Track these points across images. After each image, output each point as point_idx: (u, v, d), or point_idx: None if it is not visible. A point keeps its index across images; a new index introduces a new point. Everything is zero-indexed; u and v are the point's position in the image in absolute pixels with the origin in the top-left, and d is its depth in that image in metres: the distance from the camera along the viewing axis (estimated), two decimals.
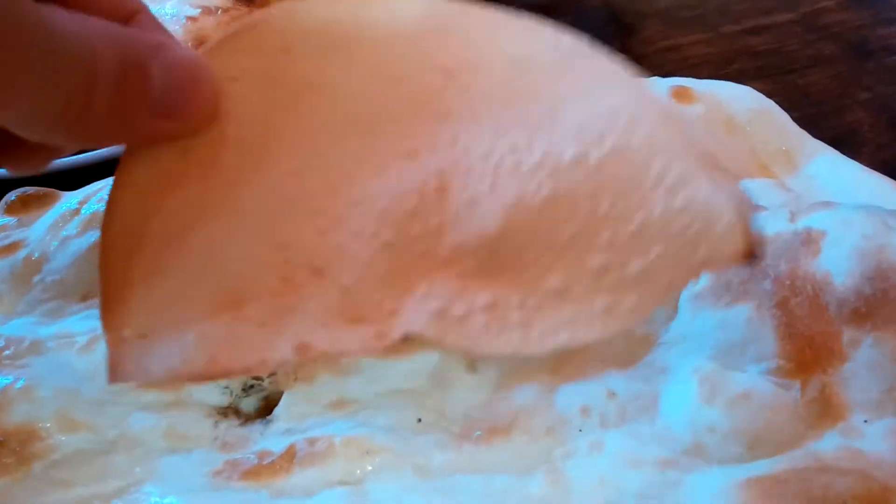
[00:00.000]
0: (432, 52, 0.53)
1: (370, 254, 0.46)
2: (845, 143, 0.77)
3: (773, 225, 0.59)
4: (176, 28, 0.82)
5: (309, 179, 0.50)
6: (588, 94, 0.54)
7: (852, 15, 1.00)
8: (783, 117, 0.75)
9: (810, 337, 0.51)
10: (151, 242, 0.47)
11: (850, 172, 0.71)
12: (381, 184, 0.49)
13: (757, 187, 0.70)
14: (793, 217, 0.59)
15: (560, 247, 0.48)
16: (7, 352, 0.54)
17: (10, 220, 0.63)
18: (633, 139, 0.53)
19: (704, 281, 0.57)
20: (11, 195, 0.64)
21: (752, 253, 0.49)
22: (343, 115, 0.51)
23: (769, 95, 0.78)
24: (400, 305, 0.45)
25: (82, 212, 0.62)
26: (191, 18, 0.82)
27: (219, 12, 0.84)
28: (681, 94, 0.75)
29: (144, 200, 0.48)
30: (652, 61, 0.92)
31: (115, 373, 0.44)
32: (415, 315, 0.44)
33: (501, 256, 0.48)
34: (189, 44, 0.80)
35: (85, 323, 0.58)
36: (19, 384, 0.52)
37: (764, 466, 0.47)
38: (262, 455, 0.51)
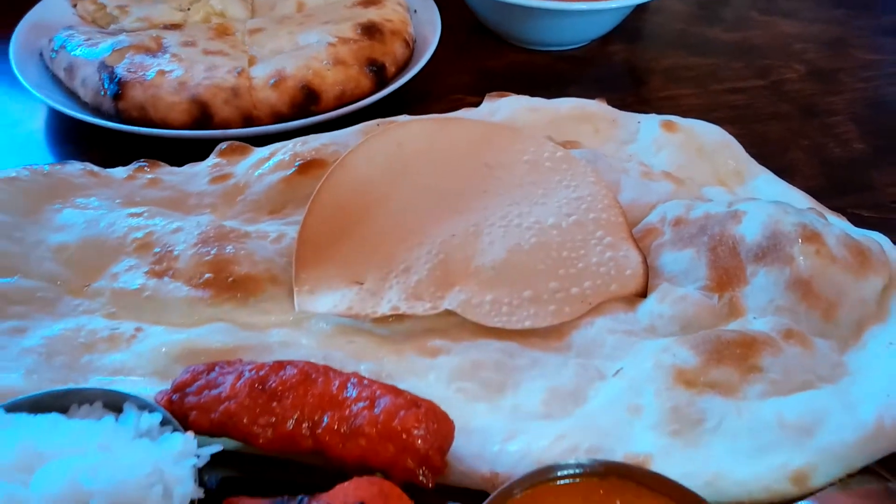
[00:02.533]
0: (481, 154, 0.94)
1: (432, 264, 0.82)
2: (785, 173, 1.09)
3: (715, 208, 0.91)
4: (319, 50, 1.17)
5: (406, 219, 0.88)
6: (567, 186, 0.93)
7: (807, 86, 1.34)
8: (739, 148, 1.08)
9: (727, 269, 0.83)
10: (321, 238, 0.84)
11: (779, 187, 1.03)
12: (443, 226, 0.87)
13: (714, 192, 1.03)
14: (730, 205, 0.92)
15: (534, 274, 0.84)
16: (232, 234, 0.87)
17: (221, 160, 0.97)
18: (589, 217, 0.88)
19: (668, 234, 0.89)
20: (223, 145, 0.98)
21: (644, 293, 0.82)
22: (426, 185, 0.90)
23: (737, 136, 1.10)
24: (445, 294, 0.80)
25: (271, 160, 0.96)
26: (331, 45, 1.17)
27: (350, 42, 1.19)
28: (668, 126, 1.09)
29: (321, 222, 0.85)
30: (653, 105, 1.26)
31: (300, 306, 0.79)
32: (454, 300, 0.79)
33: (502, 275, 0.83)
34: (329, 62, 1.15)
35: (272, 227, 0.91)
36: (242, 252, 0.84)
37: (689, 336, 0.78)
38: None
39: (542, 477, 0.62)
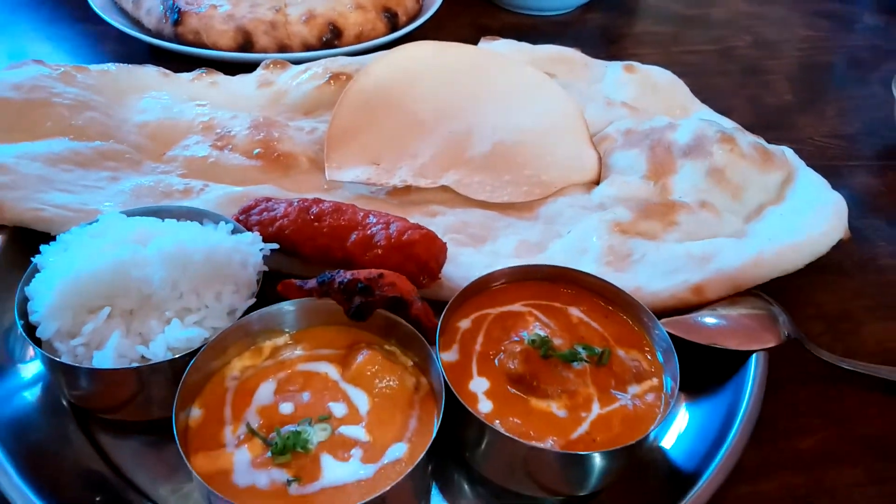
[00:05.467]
0: (477, 71, 1.18)
1: (433, 152, 1.06)
2: (725, 114, 1.32)
3: (659, 123, 1.15)
4: None
5: (415, 117, 1.13)
6: (541, 101, 1.18)
7: (753, 52, 1.58)
8: (685, 89, 1.32)
9: (662, 163, 1.07)
10: (347, 128, 1.06)
11: (715, 117, 1.27)
12: (445, 125, 1.10)
13: (663, 120, 1.27)
14: (671, 123, 1.16)
15: (513, 164, 1.11)
16: (277, 124, 1.09)
17: (266, 72, 1.20)
18: (557, 124, 1.12)
19: (619, 141, 1.13)
20: (267, 61, 1.22)
21: (598, 182, 1.07)
22: (432, 92, 1.14)
23: (688, 86, 1.34)
24: (443, 174, 1.04)
25: (307, 73, 1.19)
26: None
27: None
28: (629, 68, 1.33)
29: (349, 115, 1.07)
30: (620, 61, 1.50)
31: (330, 177, 1.03)
32: (450, 179, 1.03)
33: (489, 163, 1.08)
34: (352, 6, 1.38)
35: (307, 123, 1.14)
36: (285, 136, 1.08)
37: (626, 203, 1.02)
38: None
39: (506, 277, 0.85)
